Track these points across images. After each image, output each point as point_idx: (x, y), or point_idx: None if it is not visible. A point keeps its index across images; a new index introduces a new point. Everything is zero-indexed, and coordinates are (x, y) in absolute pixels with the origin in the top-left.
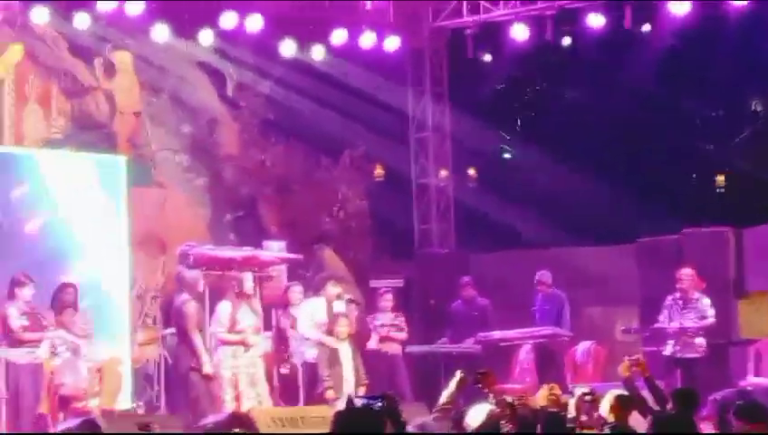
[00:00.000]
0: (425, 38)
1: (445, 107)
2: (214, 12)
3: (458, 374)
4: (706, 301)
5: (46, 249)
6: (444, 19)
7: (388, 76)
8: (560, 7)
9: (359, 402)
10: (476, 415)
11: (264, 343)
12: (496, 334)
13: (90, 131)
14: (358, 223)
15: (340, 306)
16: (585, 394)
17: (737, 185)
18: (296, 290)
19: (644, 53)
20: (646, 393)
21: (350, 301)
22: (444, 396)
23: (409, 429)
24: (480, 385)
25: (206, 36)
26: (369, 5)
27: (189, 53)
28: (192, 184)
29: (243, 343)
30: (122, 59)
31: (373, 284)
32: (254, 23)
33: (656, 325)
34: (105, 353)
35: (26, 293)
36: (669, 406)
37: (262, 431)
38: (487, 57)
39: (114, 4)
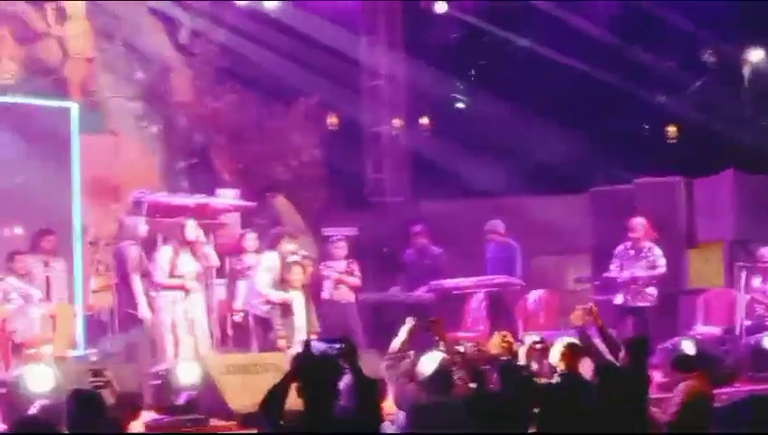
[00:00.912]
0: None
1: (399, 56)
2: None
3: (409, 322)
4: (658, 251)
5: None
6: None
7: (342, 24)
8: None
9: (316, 345)
10: (428, 363)
11: (205, 290)
12: (449, 283)
13: (41, 77)
14: (311, 172)
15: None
16: (535, 342)
17: (689, 136)
18: (250, 238)
19: (598, 3)
20: (598, 342)
21: (305, 257)
22: (395, 344)
23: None
24: (430, 333)
25: None
26: None
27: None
28: (145, 132)
29: (182, 288)
30: (74, 5)
31: (326, 232)
32: None
33: (607, 274)
34: (57, 300)
35: None
36: (622, 354)
37: (216, 378)
38: (441, 6)
39: None
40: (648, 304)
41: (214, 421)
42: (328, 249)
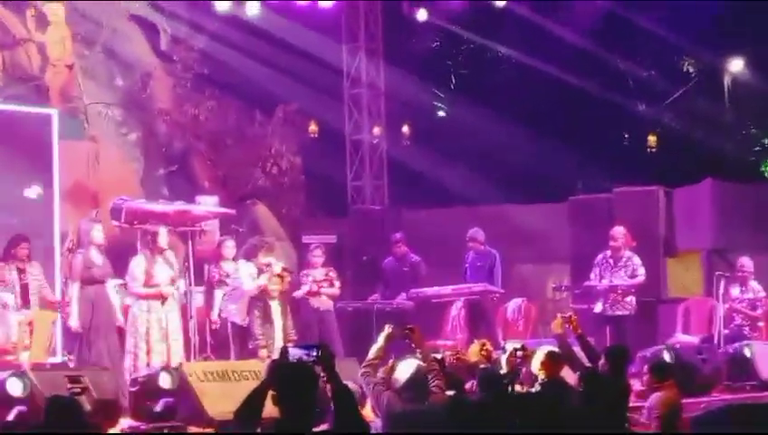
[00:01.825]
0: None
1: (379, 63)
2: None
3: (387, 329)
4: (637, 260)
5: None
6: None
7: (323, 32)
8: None
9: (293, 352)
10: (404, 370)
11: (183, 294)
12: (428, 291)
13: (21, 84)
14: (291, 179)
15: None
16: (516, 350)
17: (669, 145)
18: (229, 245)
19: (578, 12)
20: (577, 350)
21: (284, 269)
22: (372, 351)
23: None
24: (407, 340)
25: None
26: None
27: (123, 5)
28: (125, 138)
29: (159, 296)
30: (54, 11)
31: (305, 239)
32: None
33: (586, 283)
34: (36, 307)
35: None
36: (601, 362)
37: (194, 385)
38: (422, 14)
39: None
40: (626, 312)
41: (191, 428)
42: (306, 257)
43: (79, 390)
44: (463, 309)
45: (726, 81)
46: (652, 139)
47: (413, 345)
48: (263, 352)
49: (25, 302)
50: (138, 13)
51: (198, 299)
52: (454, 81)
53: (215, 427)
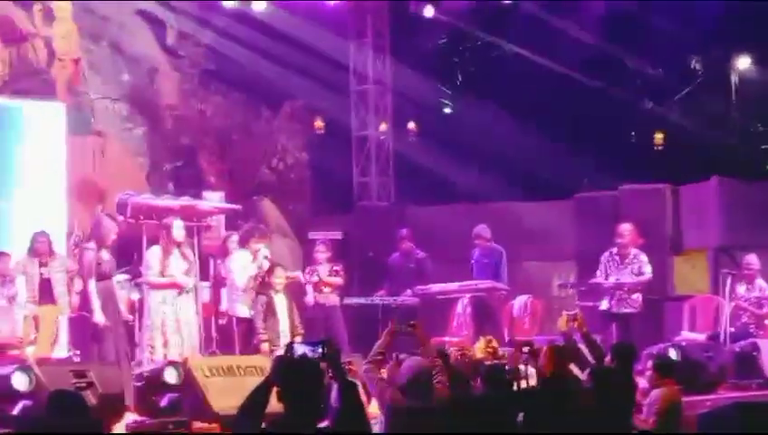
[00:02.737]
0: None
1: (386, 60)
2: None
3: (391, 325)
4: (643, 257)
5: None
6: None
7: (330, 28)
8: None
9: (299, 348)
10: (407, 366)
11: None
12: (434, 287)
13: (28, 78)
14: (297, 175)
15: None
16: (523, 345)
17: (676, 143)
18: (234, 240)
19: (585, 8)
20: (583, 347)
21: (273, 263)
22: (376, 347)
23: None
24: (411, 336)
25: None
26: None
27: (130, 1)
28: (131, 133)
29: (174, 285)
30: (61, 6)
31: (311, 235)
32: None
33: (592, 281)
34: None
35: None
36: (607, 360)
37: (199, 379)
38: (429, 10)
39: None
40: (632, 310)
41: (196, 423)
42: (312, 253)
43: (84, 384)
44: (469, 306)
45: (734, 78)
46: (659, 136)
47: (416, 341)
48: (264, 346)
49: (47, 296)
50: (144, 8)
51: (205, 294)
52: (460, 77)
53: (219, 422)
